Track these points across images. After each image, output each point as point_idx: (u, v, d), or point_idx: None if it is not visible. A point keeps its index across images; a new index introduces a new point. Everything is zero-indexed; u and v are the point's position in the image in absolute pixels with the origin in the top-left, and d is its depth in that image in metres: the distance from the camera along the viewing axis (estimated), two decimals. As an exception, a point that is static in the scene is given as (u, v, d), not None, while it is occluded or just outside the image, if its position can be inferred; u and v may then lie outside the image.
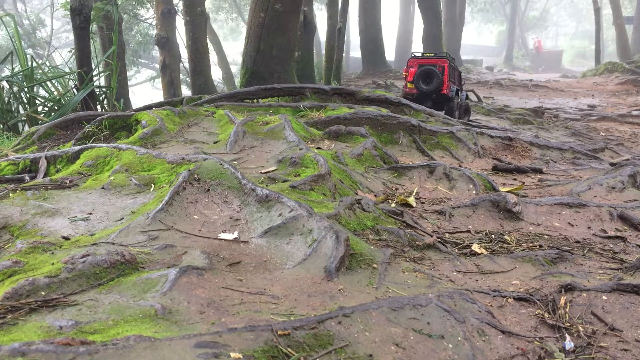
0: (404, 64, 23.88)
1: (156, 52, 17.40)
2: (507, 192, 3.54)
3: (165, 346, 1.34)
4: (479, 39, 48.43)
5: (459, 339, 1.64)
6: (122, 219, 2.57)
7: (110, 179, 3.19)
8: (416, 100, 6.11)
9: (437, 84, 5.93)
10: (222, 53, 21.24)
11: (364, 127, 5.03)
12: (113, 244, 2.13)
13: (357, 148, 4.40)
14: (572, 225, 3.15)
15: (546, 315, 1.89)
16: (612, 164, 4.84)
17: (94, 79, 7.69)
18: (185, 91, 17.99)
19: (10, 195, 2.98)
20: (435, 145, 5.16)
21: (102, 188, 3.08)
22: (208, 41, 14.05)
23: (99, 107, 7.66)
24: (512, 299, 2.01)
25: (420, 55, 6.55)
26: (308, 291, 1.91)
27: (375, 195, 3.46)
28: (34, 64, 7.42)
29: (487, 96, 12.40)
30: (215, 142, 4.42)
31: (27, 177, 3.62)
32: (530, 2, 41.94)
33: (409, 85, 6.14)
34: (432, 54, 6.56)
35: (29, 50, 19.40)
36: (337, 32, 11.10)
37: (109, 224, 2.52)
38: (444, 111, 6.09)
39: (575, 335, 1.77)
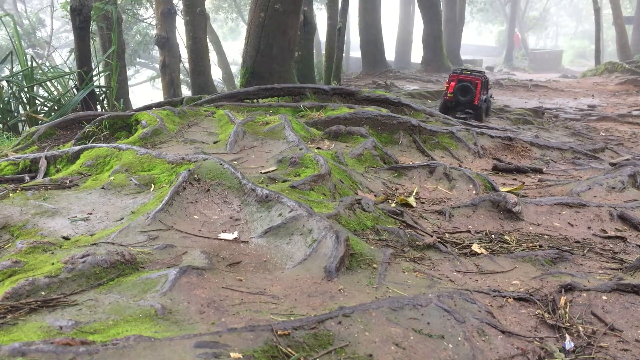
0: (404, 64, 24.02)
1: (156, 52, 17.37)
2: (507, 192, 3.54)
3: (165, 346, 1.34)
4: (479, 39, 48.35)
5: (459, 339, 1.64)
6: (122, 219, 2.57)
7: (110, 179, 3.19)
8: (454, 106, 7.92)
9: (471, 97, 7.84)
10: (222, 53, 21.22)
11: (364, 127, 5.03)
12: (113, 244, 2.13)
13: (357, 148, 4.40)
14: (572, 225, 3.15)
15: (546, 315, 1.89)
16: (612, 164, 4.84)
17: (94, 79, 7.68)
18: (185, 91, 17.96)
19: (10, 195, 2.98)
20: (435, 145, 5.16)
21: (102, 188, 3.08)
22: (208, 41, 14.03)
23: (99, 107, 7.65)
24: (512, 299, 2.01)
25: (460, 71, 8.40)
26: (308, 291, 1.91)
27: (375, 195, 3.46)
28: (34, 64, 7.41)
29: (487, 96, 12.39)
30: (215, 142, 4.42)
31: (27, 177, 3.62)
32: (530, 2, 41.90)
33: (449, 94, 8.00)
34: (470, 72, 8.35)
35: (29, 50, 19.37)
36: (337, 32, 11.07)
37: (109, 224, 2.52)
38: (473, 114, 7.75)
39: (575, 335, 1.77)
